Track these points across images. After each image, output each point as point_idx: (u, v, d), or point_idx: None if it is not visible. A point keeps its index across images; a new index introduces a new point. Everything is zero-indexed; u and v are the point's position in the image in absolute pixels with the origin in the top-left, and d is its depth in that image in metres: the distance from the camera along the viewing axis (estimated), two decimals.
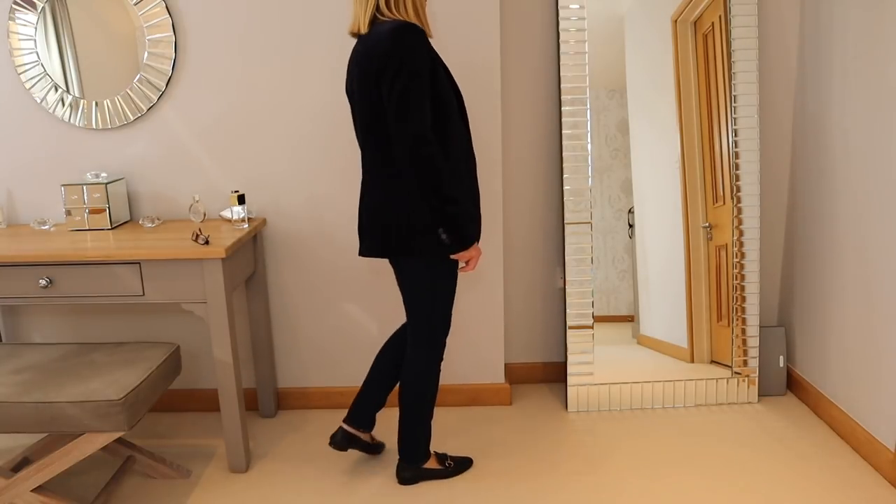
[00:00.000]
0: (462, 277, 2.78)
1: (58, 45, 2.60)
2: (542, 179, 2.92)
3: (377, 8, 1.97)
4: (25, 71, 2.61)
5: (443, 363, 2.87)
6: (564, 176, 2.74)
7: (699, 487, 2.28)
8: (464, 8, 2.58)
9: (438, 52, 2.58)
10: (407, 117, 1.90)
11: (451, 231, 1.99)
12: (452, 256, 2.07)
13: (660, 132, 2.77)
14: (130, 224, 2.68)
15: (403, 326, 2.37)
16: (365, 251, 2.14)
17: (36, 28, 2.58)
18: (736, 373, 2.81)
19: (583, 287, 2.76)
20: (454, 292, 2.19)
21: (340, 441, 2.37)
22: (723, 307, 2.81)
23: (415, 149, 1.90)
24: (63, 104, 2.64)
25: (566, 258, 2.75)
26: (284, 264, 2.79)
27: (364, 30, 2.00)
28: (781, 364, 2.88)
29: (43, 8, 2.56)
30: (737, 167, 2.74)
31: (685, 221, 2.79)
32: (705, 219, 2.80)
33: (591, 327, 2.78)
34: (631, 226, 2.82)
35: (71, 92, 2.64)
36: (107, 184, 2.54)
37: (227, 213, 2.62)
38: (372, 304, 2.82)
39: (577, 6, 2.68)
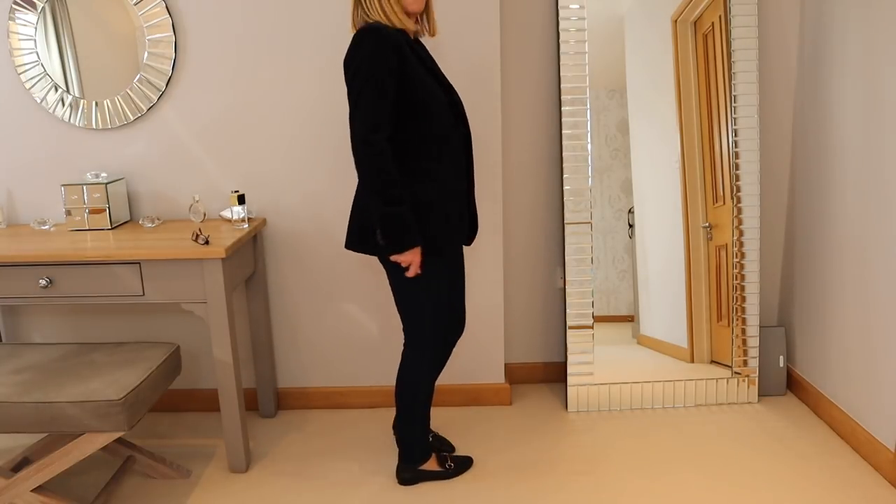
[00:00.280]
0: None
1: (58, 45, 2.60)
2: (542, 179, 2.92)
3: (363, 10, 2.02)
4: (25, 71, 2.61)
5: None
6: (564, 176, 2.74)
7: (699, 487, 2.28)
8: (464, 8, 2.58)
9: (437, 53, 2.58)
10: (354, 118, 1.94)
11: (387, 233, 1.97)
12: (392, 258, 2.03)
13: (660, 132, 2.77)
14: (130, 224, 2.68)
15: None
16: (346, 243, 2.19)
17: (36, 28, 2.58)
18: (736, 373, 2.81)
19: (583, 287, 2.76)
20: (438, 293, 2.13)
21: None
22: (723, 307, 2.81)
23: (358, 149, 1.94)
24: (63, 104, 2.64)
25: (566, 258, 2.75)
26: (284, 264, 2.79)
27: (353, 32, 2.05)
28: (781, 364, 2.88)
29: (43, 8, 2.56)
30: (737, 167, 2.74)
31: (685, 221, 2.79)
32: (705, 219, 2.80)
33: (591, 327, 2.78)
34: (631, 226, 2.82)
35: (71, 92, 2.64)
36: (107, 184, 2.54)
37: (227, 213, 2.62)
38: (372, 304, 2.82)
39: (577, 6, 2.68)
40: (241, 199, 2.51)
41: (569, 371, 2.79)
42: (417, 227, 1.99)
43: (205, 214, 2.64)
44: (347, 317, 2.83)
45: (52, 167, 2.71)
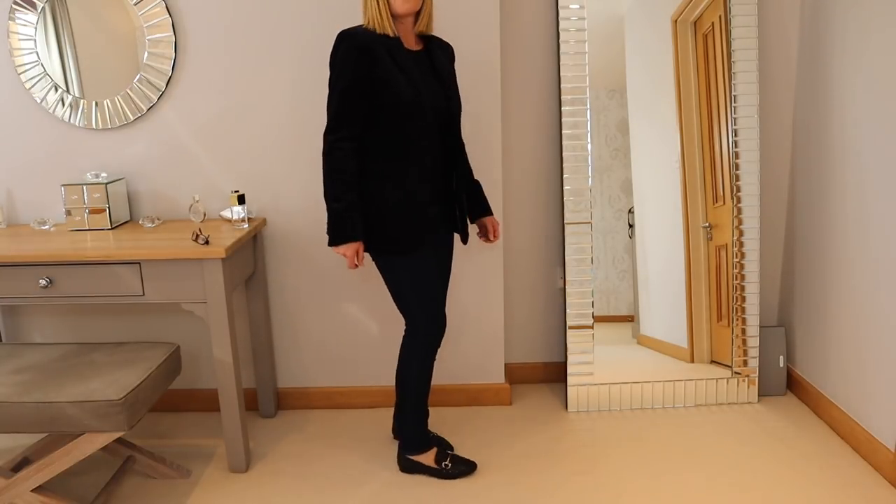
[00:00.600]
0: (463, 275, 2.78)
1: (58, 45, 2.60)
2: (542, 179, 2.92)
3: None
4: (25, 71, 2.61)
5: (443, 363, 2.86)
6: (564, 176, 2.74)
7: (699, 487, 2.28)
8: (464, 8, 2.58)
9: None
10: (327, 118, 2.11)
11: (329, 227, 2.12)
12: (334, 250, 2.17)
13: (660, 132, 2.77)
14: (130, 224, 2.68)
15: None
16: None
17: (36, 28, 2.58)
18: (736, 373, 2.81)
19: (583, 287, 2.76)
20: (421, 283, 2.21)
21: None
22: (723, 307, 2.81)
23: (323, 148, 2.11)
24: (63, 104, 2.64)
25: (566, 258, 2.75)
26: (284, 264, 2.79)
27: None
28: (781, 364, 2.88)
29: (43, 8, 2.56)
30: (737, 167, 2.74)
31: (685, 221, 2.79)
32: (705, 219, 2.80)
33: (591, 327, 2.78)
34: (631, 226, 2.82)
35: (71, 92, 2.64)
36: (107, 184, 2.54)
37: (227, 213, 2.62)
38: (372, 304, 2.82)
39: (577, 6, 2.68)
40: (241, 199, 2.51)
41: (569, 371, 2.79)
42: (359, 226, 2.10)
43: (205, 214, 2.64)
44: (347, 317, 2.83)
45: (52, 167, 2.71)
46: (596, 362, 2.79)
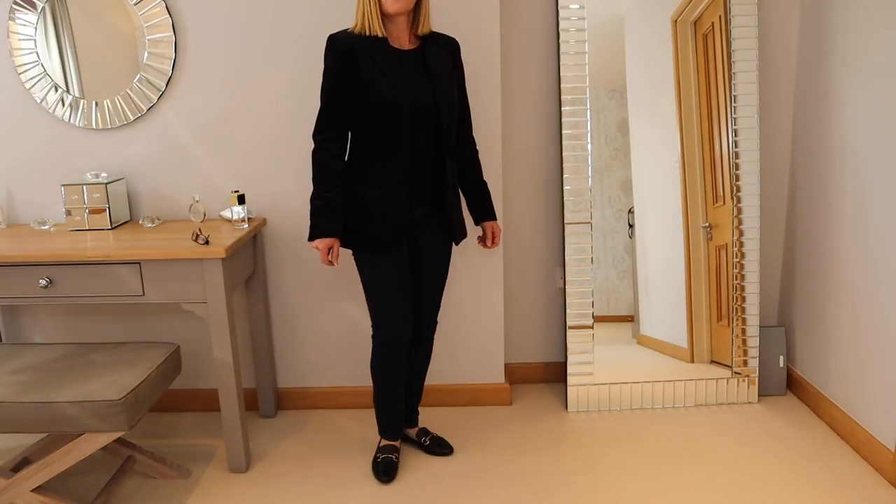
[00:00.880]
0: (463, 275, 2.78)
1: (58, 45, 2.60)
2: (542, 179, 2.92)
3: None
4: (25, 71, 2.61)
5: (443, 363, 2.86)
6: (564, 176, 2.74)
7: (699, 487, 2.28)
8: (464, 8, 2.58)
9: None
10: None
11: (310, 221, 2.19)
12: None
13: (660, 132, 2.77)
14: (130, 224, 2.68)
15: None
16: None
17: (36, 28, 2.58)
18: (736, 373, 2.81)
19: (583, 287, 2.76)
20: (380, 287, 2.24)
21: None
22: (723, 307, 2.81)
23: (313, 146, 2.19)
24: (63, 104, 2.64)
25: (566, 258, 2.75)
26: (284, 264, 2.79)
27: None
28: (781, 364, 2.88)
29: (43, 8, 2.56)
30: (737, 167, 2.74)
31: (685, 221, 2.79)
32: (705, 219, 2.80)
33: (591, 327, 2.78)
34: (631, 226, 2.82)
35: (71, 92, 2.64)
36: (107, 184, 2.54)
37: (227, 213, 2.62)
38: None
39: (577, 6, 2.68)
40: (241, 199, 2.51)
41: (569, 371, 2.79)
42: (334, 223, 2.16)
43: (205, 214, 2.64)
44: (347, 317, 2.83)
45: (52, 167, 2.71)
46: (596, 362, 2.79)
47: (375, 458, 2.43)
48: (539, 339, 3.06)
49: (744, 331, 2.79)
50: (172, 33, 2.58)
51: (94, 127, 2.66)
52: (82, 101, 2.64)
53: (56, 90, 2.63)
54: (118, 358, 2.24)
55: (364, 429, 2.72)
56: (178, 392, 2.91)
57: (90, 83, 2.63)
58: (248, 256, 2.61)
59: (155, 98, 2.63)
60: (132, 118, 2.65)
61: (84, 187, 2.53)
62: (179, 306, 2.81)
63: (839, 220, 2.53)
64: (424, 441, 2.53)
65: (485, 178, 2.67)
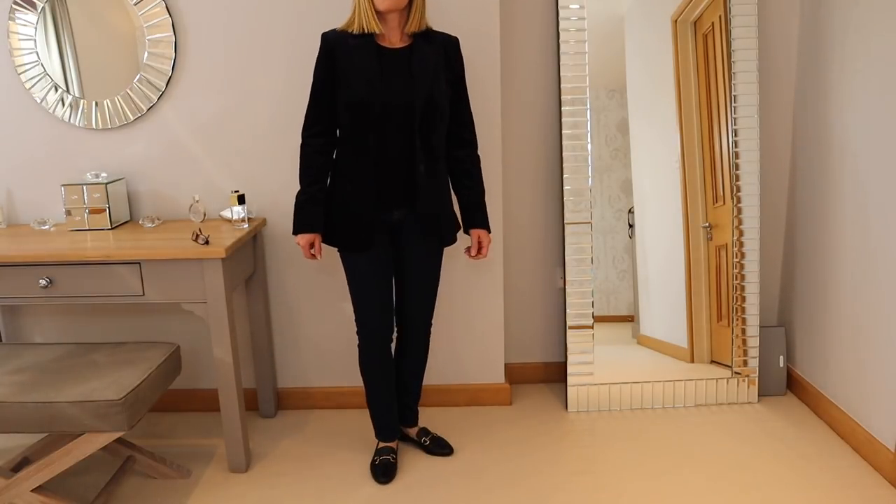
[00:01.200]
0: (463, 275, 2.78)
1: (58, 45, 2.60)
2: (542, 179, 2.92)
3: None
4: (25, 71, 2.61)
5: (443, 363, 2.87)
6: (564, 176, 2.74)
7: (699, 487, 2.28)
8: (463, 8, 2.58)
9: None
10: None
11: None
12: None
13: (660, 132, 2.77)
14: (130, 224, 2.68)
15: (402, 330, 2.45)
16: None
17: (36, 28, 2.58)
18: (736, 373, 2.81)
19: (583, 287, 2.76)
20: (358, 285, 2.27)
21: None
22: (723, 307, 2.81)
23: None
24: (63, 104, 2.64)
25: (566, 258, 2.75)
26: (284, 264, 2.79)
27: None
28: (781, 364, 2.88)
29: (43, 8, 2.56)
30: (737, 167, 2.74)
31: (685, 221, 2.79)
32: (705, 219, 2.80)
33: (591, 327, 2.78)
34: (631, 226, 2.82)
35: (71, 92, 2.64)
36: (107, 184, 2.54)
37: (227, 213, 2.62)
38: None
39: (577, 6, 2.68)
40: (241, 199, 2.51)
41: (569, 371, 2.79)
42: (315, 219, 2.20)
43: (205, 214, 2.64)
44: (347, 317, 2.83)
45: (52, 167, 2.71)
46: (596, 362, 2.79)
47: (373, 461, 2.44)
48: (539, 339, 3.07)
49: (744, 331, 2.79)
50: (172, 33, 2.58)
51: (94, 127, 2.66)
52: (82, 101, 2.64)
53: (56, 90, 2.63)
54: (118, 358, 2.24)
55: (364, 429, 2.72)
56: (178, 392, 2.91)
57: (90, 83, 2.63)
58: (248, 256, 2.61)
59: (155, 98, 2.63)
60: (132, 118, 2.65)
61: (84, 187, 2.53)
62: (179, 306, 2.81)
63: (839, 220, 2.53)
64: (424, 441, 2.53)
65: (486, 178, 2.68)
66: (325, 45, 2.15)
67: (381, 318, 2.30)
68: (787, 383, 2.91)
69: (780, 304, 3.02)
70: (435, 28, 2.48)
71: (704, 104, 2.76)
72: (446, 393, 2.89)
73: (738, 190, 2.75)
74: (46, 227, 2.61)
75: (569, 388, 2.80)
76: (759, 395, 2.86)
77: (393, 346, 2.41)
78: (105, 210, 2.55)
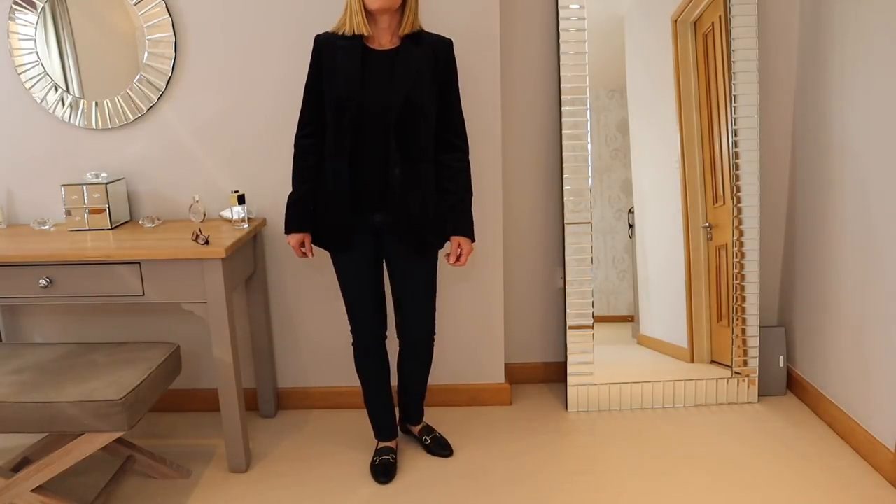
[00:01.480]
0: (463, 275, 2.78)
1: (58, 45, 2.60)
2: (542, 179, 2.92)
3: None
4: (25, 71, 2.61)
5: (443, 363, 2.87)
6: (564, 176, 2.74)
7: (699, 487, 2.28)
8: (463, 8, 2.58)
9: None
10: None
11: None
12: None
13: (660, 132, 2.77)
14: (130, 224, 2.68)
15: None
16: None
17: (36, 28, 2.58)
18: (736, 373, 2.81)
19: (583, 287, 2.76)
20: (343, 284, 2.29)
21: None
22: (723, 307, 2.81)
23: None
24: (63, 104, 2.64)
25: (566, 258, 2.75)
26: (284, 264, 2.79)
27: None
28: (781, 364, 2.88)
29: (43, 8, 2.56)
30: (737, 167, 2.74)
31: (685, 221, 2.79)
32: (705, 219, 2.80)
33: (591, 327, 2.78)
34: (631, 226, 2.82)
35: (71, 92, 2.64)
36: (107, 184, 2.54)
37: (227, 213, 2.62)
38: None
39: (577, 6, 2.68)
40: (241, 199, 2.51)
41: (569, 371, 2.79)
42: (303, 218, 2.23)
43: (205, 214, 2.64)
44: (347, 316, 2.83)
45: (52, 167, 2.71)
46: (596, 362, 2.79)
47: (373, 461, 2.44)
48: (539, 339, 3.07)
49: (744, 331, 2.79)
50: (172, 33, 2.58)
51: (94, 127, 2.66)
52: (82, 101, 2.64)
53: (56, 90, 2.63)
54: (118, 358, 2.25)
55: (364, 429, 2.72)
56: (178, 392, 2.91)
57: (90, 83, 2.63)
58: (248, 256, 2.61)
59: (155, 98, 2.63)
60: (132, 118, 2.65)
61: (84, 187, 2.53)
62: (179, 306, 2.81)
63: (839, 220, 2.53)
64: (426, 440, 2.53)
65: (486, 178, 2.69)
66: (315, 46, 2.18)
67: (370, 316, 2.30)
68: (787, 383, 2.91)
69: (780, 304, 3.02)
70: (434, 28, 2.49)
71: (704, 104, 2.76)
72: (446, 393, 2.89)
73: (738, 190, 2.75)
74: (46, 227, 2.61)
75: (569, 388, 2.80)
76: (759, 395, 2.86)
77: (396, 347, 2.40)
78: (105, 210, 2.55)
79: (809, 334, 2.78)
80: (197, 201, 2.56)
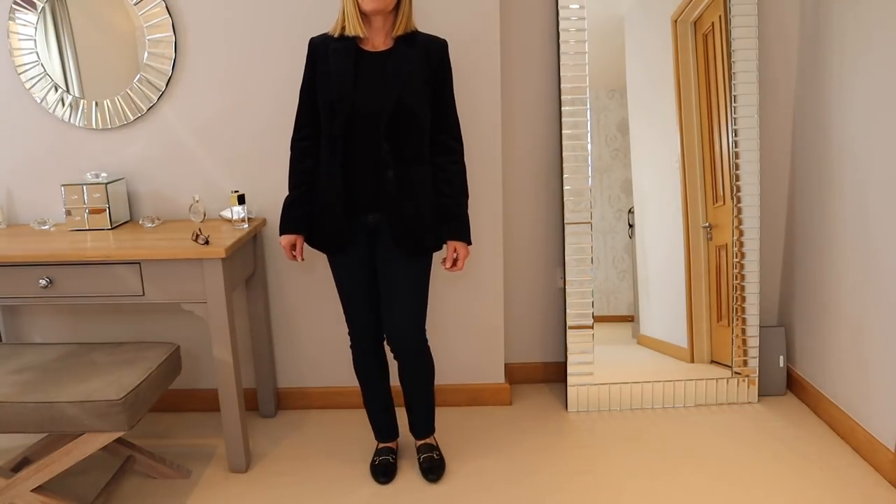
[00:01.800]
0: (463, 275, 2.78)
1: (58, 45, 2.60)
2: (542, 179, 2.92)
3: None
4: (25, 71, 2.61)
5: (443, 363, 2.86)
6: (564, 176, 2.74)
7: (699, 487, 2.28)
8: (464, 8, 2.58)
9: None
10: None
11: None
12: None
13: (660, 132, 2.77)
14: (130, 224, 2.68)
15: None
16: None
17: (36, 28, 2.58)
18: (736, 373, 2.81)
19: (583, 287, 2.76)
20: (338, 286, 2.30)
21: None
22: (723, 307, 2.81)
23: None
24: (63, 104, 2.64)
25: (566, 258, 2.75)
26: (284, 264, 2.79)
27: None
28: (781, 364, 2.88)
29: (43, 8, 2.56)
30: (737, 167, 2.74)
31: (685, 221, 2.79)
32: (705, 219, 2.80)
33: (591, 327, 2.78)
34: (631, 226, 2.82)
35: (71, 92, 2.64)
36: (107, 184, 2.54)
37: (227, 213, 2.62)
38: None
39: (577, 6, 2.68)
40: (241, 199, 2.51)
41: (569, 371, 2.79)
42: (297, 221, 2.23)
43: (205, 214, 2.64)
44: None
45: (52, 167, 2.71)
46: (596, 362, 2.79)
47: (373, 461, 2.44)
48: (539, 339, 3.07)
49: (744, 331, 2.79)
50: (172, 33, 2.58)
51: (94, 127, 2.66)
52: (82, 101, 2.64)
53: (56, 90, 2.63)
54: (118, 358, 2.25)
55: (364, 429, 2.72)
56: (178, 392, 2.91)
57: (90, 83, 2.63)
58: (248, 256, 2.61)
59: (155, 98, 2.63)
60: (132, 118, 2.65)
61: (84, 187, 2.53)
62: (179, 306, 2.80)
63: (839, 220, 2.53)
64: (419, 458, 2.43)
65: (486, 178, 2.69)
66: (309, 49, 2.18)
67: (367, 318, 2.30)
68: (787, 383, 2.91)
69: (780, 304, 3.02)
70: (434, 29, 2.49)
71: (704, 104, 2.76)
72: (446, 393, 2.89)
73: (738, 190, 2.75)
74: (46, 227, 2.61)
75: (569, 388, 2.80)
76: (759, 395, 2.86)
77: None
78: (105, 210, 2.55)
79: (809, 334, 2.78)
80: (197, 201, 2.56)
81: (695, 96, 2.75)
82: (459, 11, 2.58)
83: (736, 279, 2.78)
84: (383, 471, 2.37)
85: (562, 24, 2.69)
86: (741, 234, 2.76)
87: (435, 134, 2.19)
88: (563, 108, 2.71)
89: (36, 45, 2.59)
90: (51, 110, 2.65)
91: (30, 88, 2.63)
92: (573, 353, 2.78)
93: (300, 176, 2.22)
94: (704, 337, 2.84)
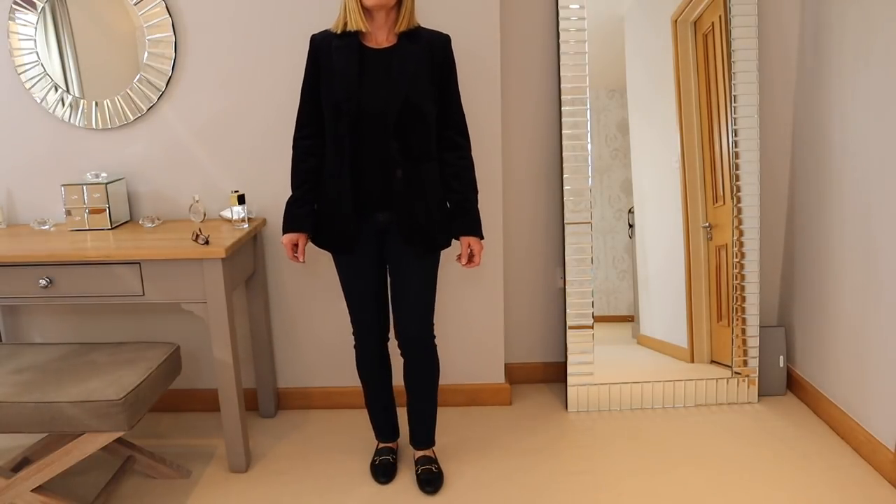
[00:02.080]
0: (463, 275, 2.78)
1: (58, 45, 2.61)
2: (542, 179, 2.92)
3: None
4: (25, 71, 2.61)
5: (443, 363, 2.86)
6: (564, 176, 2.74)
7: (699, 487, 2.28)
8: (464, 8, 2.58)
9: None
10: None
11: None
12: None
13: (660, 132, 2.77)
14: (130, 224, 2.68)
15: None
16: None
17: (36, 28, 2.58)
18: (736, 373, 2.82)
19: (583, 287, 2.76)
20: (344, 286, 2.29)
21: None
22: (723, 307, 2.81)
23: None
24: (63, 104, 2.64)
25: (566, 258, 2.75)
26: (284, 264, 2.79)
27: None
28: (781, 364, 2.88)
29: (43, 8, 2.56)
30: (737, 167, 2.74)
31: (685, 221, 2.79)
32: (705, 219, 2.80)
33: (591, 327, 2.78)
34: (631, 226, 2.82)
35: (71, 92, 2.64)
36: (107, 184, 2.54)
37: (227, 213, 2.62)
38: None
39: (577, 6, 2.68)
40: (241, 199, 2.51)
41: (569, 371, 2.79)
42: (299, 220, 2.21)
43: (205, 214, 2.64)
44: (347, 317, 2.83)
45: (52, 167, 2.71)
46: (596, 362, 2.79)
47: (373, 461, 2.44)
48: (539, 339, 3.07)
49: (744, 331, 2.79)
50: (172, 33, 2.58)
51: (94, 127, 2.66)
52: (82, 101, 2.64)
53: (56, 90, 2.63)
54: (118, 358, 2.25)
55: (364, 429, 2.72)
56: (178, 392, 2.91)
57: (90, 83, 2.63)
58: (248, 256, 2.61)
59: (155, 98, 2.63)
60: (132, 118, 2.65)
61: (84, 187, 2.53)
62: (179, 306, 2.81)
63: (839, 220, 2.53)
64: (417, 470, 2.39)
65: (486, 178, 2.68)
66: (311, 46, 2.15)
67: (373, 318, 2.29)
68: (787, 383, 2.91)
69: (780, 304, 3.02)
70: (434, 26, 2.48)
71: (704, 104, 2.76)
72: (446, 393, 2.89)
73: (738, 190, 2.75)
74: (46, 227, 2.61)
75: (569, 388, 2.80)
76: (759, 395, 2.86)
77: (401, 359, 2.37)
78: (105, 210, 2.55)
79: (809, 334, 2.78)
80: (197, 201, 2.56)
81: (695, 96, 2.75)
82: (459, 11, 2.58)
83: (736, 279, 2.78)
84: (383, 471, 2.37)
85: (562, 24, 2.69)
86: (741, 234, 2.76)
87: (441, 130, 2.18)
88: (563, 108, 2.71)
89: (36, 45, 2.59)
90: (51, 110, 2.65)
91: (30, 88, 2.63)
92: (573, 353, 2.78)
93: (303, 175, 2.19)
94: (704, 337, 2.84)
